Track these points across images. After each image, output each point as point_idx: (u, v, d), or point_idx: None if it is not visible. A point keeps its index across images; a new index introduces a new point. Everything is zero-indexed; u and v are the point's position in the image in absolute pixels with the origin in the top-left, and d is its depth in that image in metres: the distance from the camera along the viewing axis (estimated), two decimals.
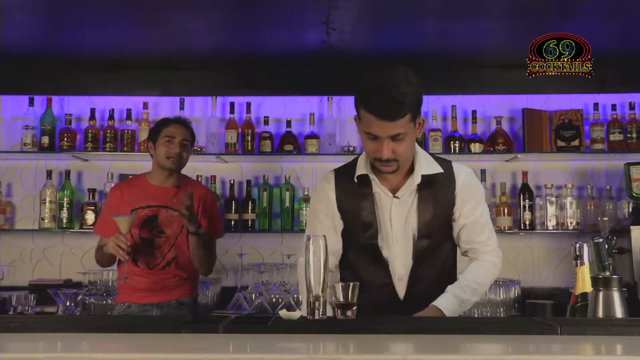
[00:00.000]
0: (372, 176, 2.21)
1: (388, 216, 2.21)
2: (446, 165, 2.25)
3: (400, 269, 2.22)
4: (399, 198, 2.21)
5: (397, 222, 2.21)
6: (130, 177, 4.06)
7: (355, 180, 2.22)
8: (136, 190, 3.11)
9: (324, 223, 2.27)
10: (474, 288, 2.19)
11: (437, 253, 2.26)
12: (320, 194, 2.31)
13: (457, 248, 2.34)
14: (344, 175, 2.28)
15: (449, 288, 2.16)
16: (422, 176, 2.18)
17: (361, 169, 2.22)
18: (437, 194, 2.21)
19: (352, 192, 2.24)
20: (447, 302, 2.11)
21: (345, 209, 2.25)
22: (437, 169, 2.22)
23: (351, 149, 4.10)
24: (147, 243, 3.03)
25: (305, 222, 4.03)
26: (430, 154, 2.30)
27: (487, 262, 2.26)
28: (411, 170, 2.20)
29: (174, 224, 3.05)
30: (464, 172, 2.26)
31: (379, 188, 2.21)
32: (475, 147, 4.04)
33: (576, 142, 4.04)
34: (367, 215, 2.21)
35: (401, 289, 2.23)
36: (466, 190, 2.23)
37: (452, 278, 2.29)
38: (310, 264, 1.81)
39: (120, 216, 2.90)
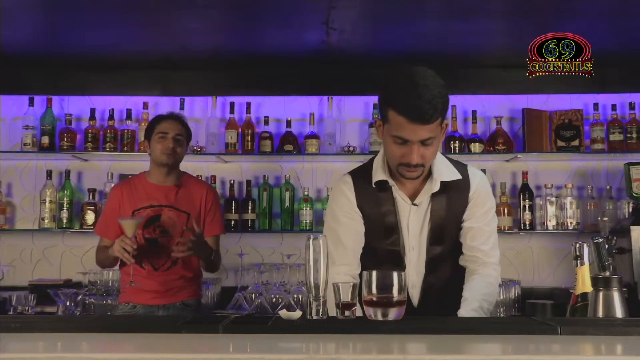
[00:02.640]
0: (391, 182, 2.14)
1: (406, 223, 2.16)
2: (463, 170, 2.20)
3: (413, 276, 2.18)
4: (417, 205, 2.15)
5: (414, 229, 2.16)
6: (130, 177, 4.07)
7: (374, 186, 2.16)
8: (137, 190, 3.10)
9: (346, 225, 2.18)
10: (486, 308, 2.11)
11: (449, 260, 2.21)
12: (339, 197, 2.21)
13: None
14: (361, 179, 2.19)
15: (463, 309, 2.06)
16: (440, 182, 2.14)
17: (379, 174, 2.15)
18: (452, 199, 2.16)
19: (372, 197, 2.16)
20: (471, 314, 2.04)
21: (366, 213, 2.18)
22: (455, 175, 2.16)
23: (351, 149, 4.10)
24: (151, 243, 3.03)
25: (305, 222, 4.04)
26: (445, 156, 2.24)
27: (490, 276, 2.17)
28: (428, 175, 2.15)
29: (177, 224, 3.05)
30: (479, 176, 2.22)
31: (398, 194, 2.16)
32: (475, 147, 4.04)
33: (576, 142, 4.04)
34: (389, 221, 2.15)
35: (415, 296, 2.19)
36: (479, 195, 2.19)
37: (461, 285, 2.24)
38: (310, 264, 1.81)
39: (126, 219, 2.88)
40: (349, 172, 2.28)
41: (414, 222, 2.17)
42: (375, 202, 2.17)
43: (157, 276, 3.02)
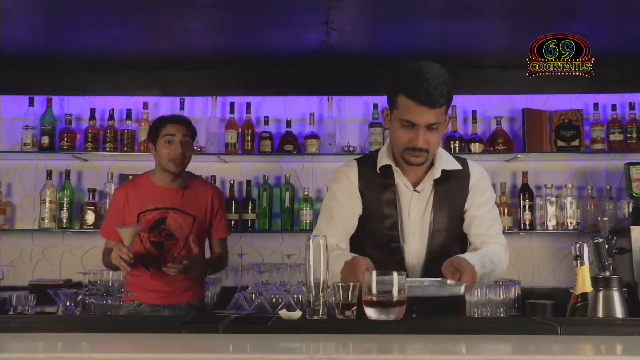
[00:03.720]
0: (395, 167, 2.23)
1: (407, 209, 2.24)
2: (463, 162, 2.31)
3: (413, 261, 2.24)
4: (419, 192, 2.24)
5: (415, 215, 2.24)
6: (131, 177, 4.07)
7: (378, 172, 2.25)
8: (142, 191, 3.06)
9: (343, 204, 2.26)
10: (490, 259, 2.16)
11: (451, 248, 2.26)
12: (342, 177, 2.30)
13: (467, 246, 2.33)
14: (366, 164, 2.30)
15: (465, 254, 2.12)
16: (442, 171, 2.23)
17: (384, 159, 2.25)
18: (453, 189, 2.25)
19: (375, 182, 2.25)
20: (472, 259, 2.05)
21: (367, 198, 2.26)
22: (456, 165, 2.27)
23: (351, 149, 4.10)
24: (157, 246, 3.02)
25: (305, 222, 4.04)
26: (447, 151, 2.35)
27: (498, 248, 2.24)
28: (430, 164, 2.25)
29: (184, 226, 3.03)
30: (478, 168, 2.33)
31: (400, 180, 2.24)
32: (475, 147, 4.04)
33: (576, 142, 4.05)
34: (388, 206, 2.23)
35: None
36: (479, 183, 2.29)
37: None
38: (310, 264, 1.81)
39: (123, 227, 2.82)
40: (355, 158, 2.37)
41: (415, 208, 2.24)
42: (377, 187, 2.25)
43: (162, 277, 2.97)
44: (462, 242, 2.31)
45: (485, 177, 2.33)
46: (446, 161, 2.27)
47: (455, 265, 1.99)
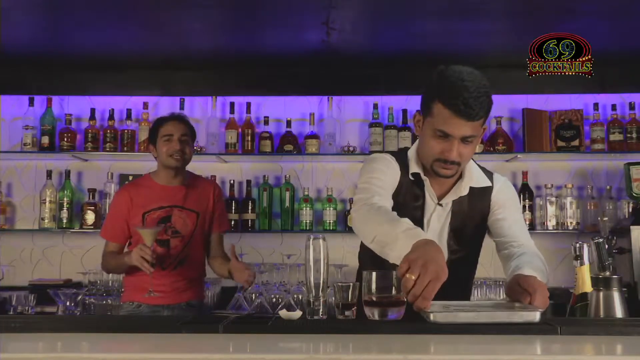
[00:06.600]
0: (424, 177, 2.11)
1: (427, 220, 2.13)
2: (489, 176, 2.19)
3: None
4: (442, 206, 2.13)
5: (434, 228, 2.13)
6: (131, 177, 4.08)
7: (411, 178, 2.11)
8: (145, 192, 3.07)
9: (386, 175, 2.08)
10: (542, 270, 1.93)
11: (463, 264, 2.18)
12: (389, 162, 2.12)
13: (476, 267, 2.24)
14: (403, 165, 2.12)
15: (524, 266, 1.89)
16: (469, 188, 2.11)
17: (413, 166, 2.11)
18: (474, 203, 2.14)
19: (408, 184, 2.12)
20: (536, 272, 1.86)
21: (402, 194, 2.11)
22: (485, 182, 2.14)
23: (351, 149, 4.10)
24: (163, 244, 3.02)
25: (305, 222, 4.05)
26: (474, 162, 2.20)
27: (538, 253, 2.04)
28: (457, 177, 2.11)
29: (188, 223, 3.04)
30: (502, 180, 2.20)
31: (427, 191, 2.12)
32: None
33: (576, 142, 4.05)
34: (416, 213, 2.10)
35: None
36: (501, 194, 2.16)
37: (467, 291, 2.24)
38: (310, 264, 1.81)
39: (145, 229, 2.85)
40: (390, 153, 2.22)
41: (435, 221, 2.13)
42: (409, 191, 2.12)
43: (162, 276, 2.99)
44: (474, 260, 2.23)
45: (508, 188, 2.19)
46: (476, 177, 2.12)
47: (523, 285, 1.79)
